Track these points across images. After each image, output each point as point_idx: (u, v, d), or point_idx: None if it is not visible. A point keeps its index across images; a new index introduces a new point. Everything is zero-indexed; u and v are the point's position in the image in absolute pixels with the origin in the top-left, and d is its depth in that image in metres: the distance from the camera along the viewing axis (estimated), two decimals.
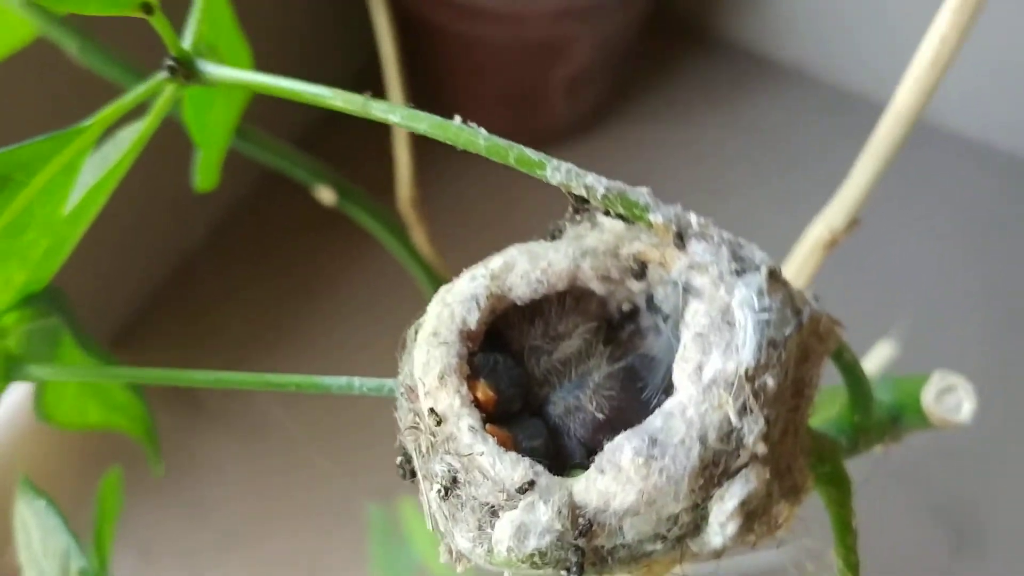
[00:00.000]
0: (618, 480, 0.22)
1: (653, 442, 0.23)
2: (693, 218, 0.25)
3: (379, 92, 0.31)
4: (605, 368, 0.26)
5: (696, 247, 0.25)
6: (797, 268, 0.39)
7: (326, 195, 0.60)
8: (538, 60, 1.58)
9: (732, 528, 0.23)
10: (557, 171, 0.24)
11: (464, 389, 0.24)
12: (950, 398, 0.32)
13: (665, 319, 0.26)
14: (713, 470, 0.23)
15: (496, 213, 1.42)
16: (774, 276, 0.24)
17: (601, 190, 0.24)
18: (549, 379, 0.26)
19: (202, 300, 1.34)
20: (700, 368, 0.23)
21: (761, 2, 1.69)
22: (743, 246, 0.25)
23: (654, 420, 0.23)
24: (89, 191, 0.29)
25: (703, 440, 0.23)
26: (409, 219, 0.67)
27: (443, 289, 0.25)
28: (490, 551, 0.23)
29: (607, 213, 0.25)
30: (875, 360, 0.67)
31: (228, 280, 1.35)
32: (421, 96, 0.56)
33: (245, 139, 0.52)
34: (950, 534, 1.17)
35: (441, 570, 0.78)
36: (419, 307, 0.26)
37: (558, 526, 0.22)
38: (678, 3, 1.76)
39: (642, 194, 0.25)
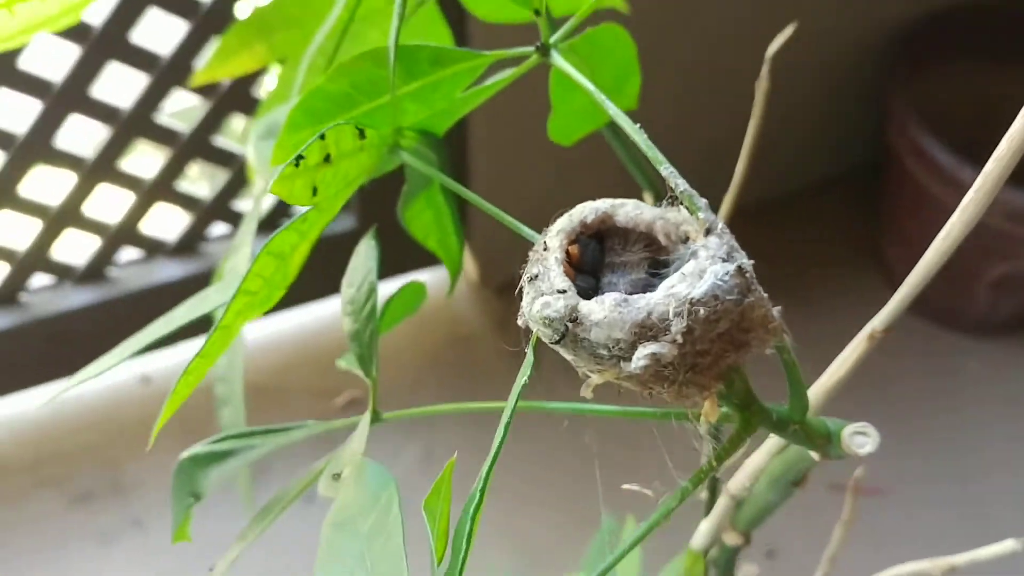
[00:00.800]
0: (599, 306, 0.44)
1: (625, 300, 0.44)
2: (719, 224, 0.45)
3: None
4: (639, 274, 0.47)
5: (712, 239, 0.45)
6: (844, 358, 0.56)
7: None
8: (981, 245, 1.70)
9: (642, 363, 0.43)
10: (673, 174, 0.46)
11: (565, 243, 0.46)
12: (860, 438, 0.49)
13: (679, 264, 0.46)
14: (647, 331, 0.43)
15: None
16: (740, 269, 0.44)
17: (682, 187, 0.46)
18: (612, 267, 0.47)
19: None
20: (672, 286, 0.44)
21: None
22: (737, 250, 0.45)
23: (635, 296, 0.44)
24: (473, 92, 0.55)
25: (649, 313, 0.43)
26: None
27: (583, 203, 0.48)
28: (531, 309, 0.45)
29: (683, 203, 0.46)
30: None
31: None
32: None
33: (614, 133, 0.76)
34: None
35: None
36: None
37: (562, 312, 0.44)
38: None
39: (702, 201, 0.45)
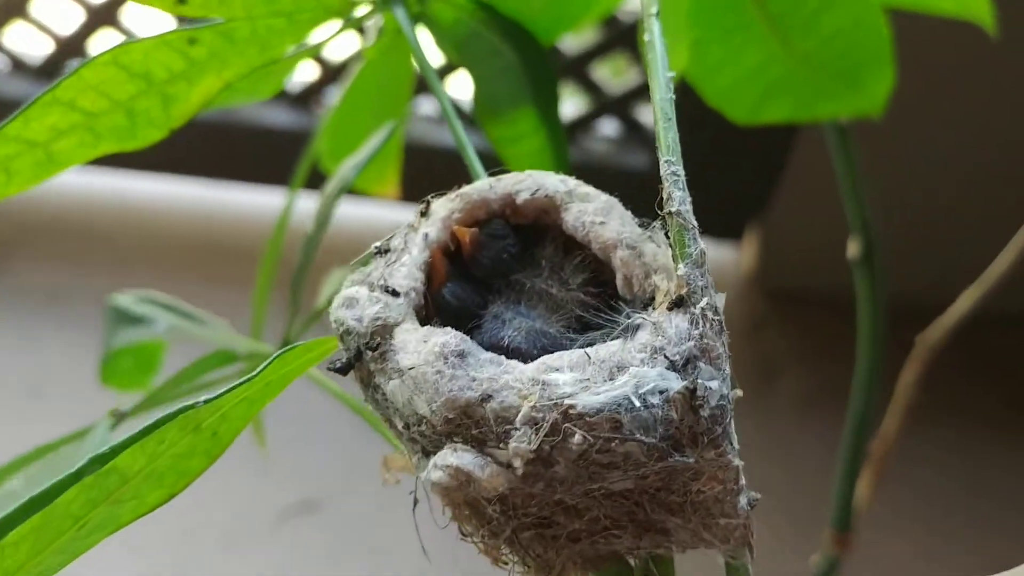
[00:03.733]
0: (420, 344, 0.24)
1: (468, 356, 0.23)
2: (705, 297, 0.23)
3: None
4: (553, 321, 0.26)
5: (677, 319, 0.23)
6: None
7: (852, 247, 0.59)
8: None
9: (437, 478, 0.23)
10: (674, 176, 0.24)
11: (454, 220, 0.26)
12: None
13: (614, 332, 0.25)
14: (471, 425, 0.23)
15: None
16: (688, 396, 0.23)
17: (676, 205, 0.24)
18: (522, 289, 0.26)
19: None
20: (551, 369, 0.23)
21: None
22: (711, 357, 0.23)
23: (489, 357, 0.24)
24: None
25: (488, 396, 0.23)
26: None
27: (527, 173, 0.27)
28: (337, 301, 0.26)
29: (667, 234, 0.25)
30: None
31: None
32: None
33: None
34: None
35: None
36: None
37: (365, 325, 0.24)
38: None
39: (695, 244, 0.24)
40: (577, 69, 1.05)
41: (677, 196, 0.24)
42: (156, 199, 1.31)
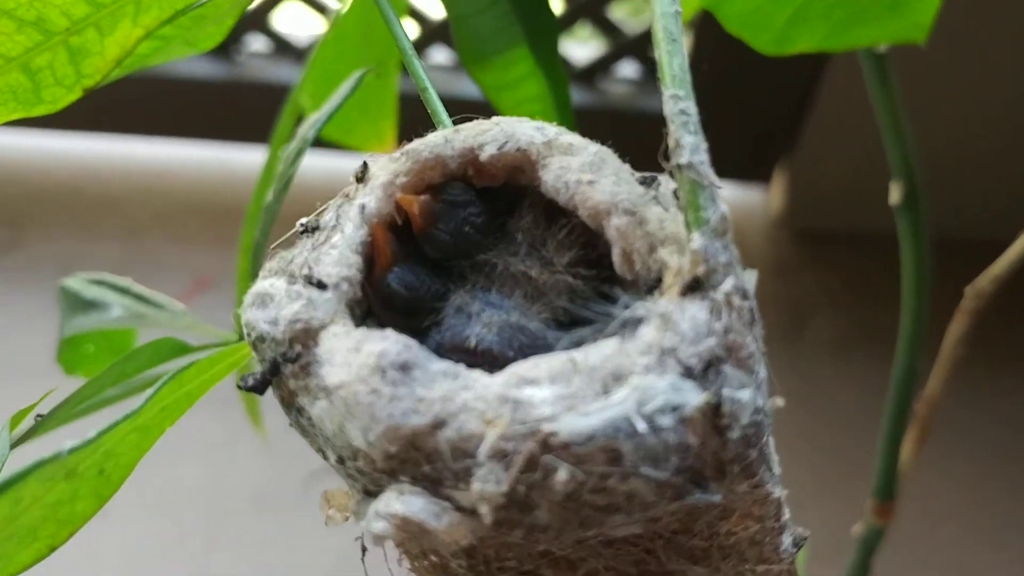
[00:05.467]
0: (350, 355, 0.18)
1: (411, 367, 0.17)
2: (732, 276, 0.17)
3: None
4: (533, 313, 0.20)
5: (691, 307, 0.17)
6: None
7: (895, 193, 0.52)
8: None
9: (378, 528, 0.17)
10: (684, 115, 0.18)
11: (400, 186, 0.20)
12: None
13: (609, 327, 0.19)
14: (422, 461, 0.17)
15: None
16: (711, 413, 0.16)
17: (687, 155, 0.17)
18: (492, 272, 0.20)
19: None
20: (527, 380, 0.17)
21: None
22: (703, 364, 0.17)
23: (446, 368, 0.17)
24: None
25: (440, 422, 0.17)
26: None
27: (497, 121, 0.21)
28: (248, 297, 0.20)
29: (677, 197, 0.18)
30: None
31: None
32: None
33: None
34: None
35: None
36: None
37: (281, 331, 0.18)
38: None
39: (715, 207, 0.17)
40: (593, 9, 0.98)
41: (688, 143, 0.17)
42: (167, 163, 1.26)
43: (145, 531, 0.98)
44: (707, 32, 0.96)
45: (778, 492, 0.18)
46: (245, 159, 1.24)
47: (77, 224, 1.23)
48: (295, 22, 1.11)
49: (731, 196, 1.38)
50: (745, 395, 0.17)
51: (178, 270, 1.18)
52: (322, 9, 1.02)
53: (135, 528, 0.98)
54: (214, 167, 1.26)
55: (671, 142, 0.18)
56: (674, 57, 0.18)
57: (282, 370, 0.18)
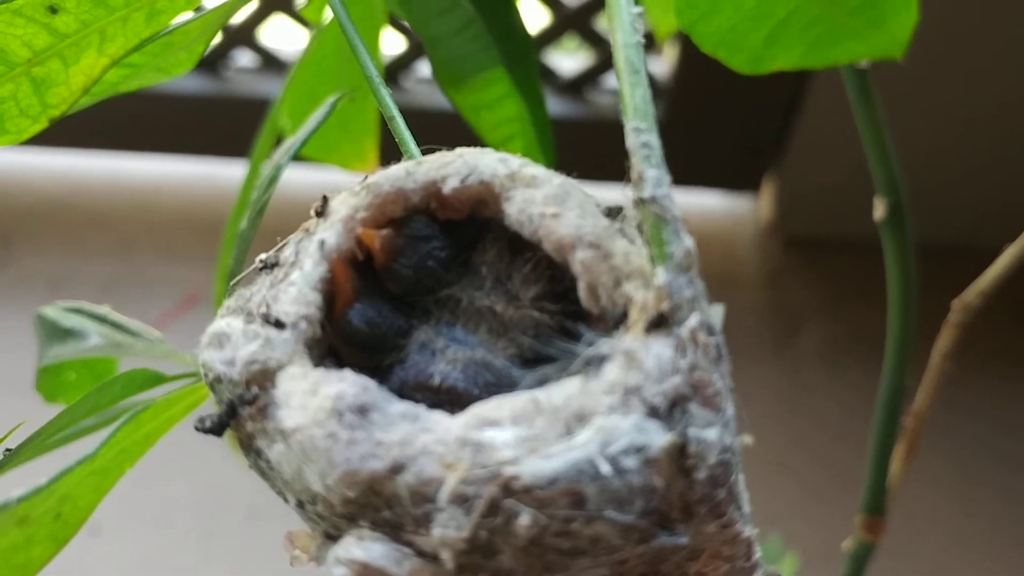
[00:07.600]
0: (307, 397, 0.17)
1: (368, 409, 0.17)
2: (695, 314, 0.17)
3: None
4: (498, 350, 0.19)
5: (656, 345, 0.17)
6: None
7: (879, 209, 0.51)
8: None
9: (339, 574, 0.17)
10: (646, 148, 0.17)
11: (360, 221, 0.19)
12: None
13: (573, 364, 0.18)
14: (381, 505, 0.17)
15: None
16: (677, 454, 0.16)
17: (650, 189, 0.17)
18: (457, 307, 0.20)
19: None
20: (490, 421, 0.17)
21: None
22: (668, 403, 0.16)
23: (405, 409, 0.17)
24: None
25: (400, 465, 0.16)
26: None
27: (460, 152, 0.20)
28: (205, 337, 0.19)
29: (640, 230, 0.18)
30: None
31: None
32: None
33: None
34: None
35: None
36: None
37: (238, 372, 0.18)
38: None
39: (678, 241, 0.17)
40: (579, 21, 0.98)
41: (651, 176, 0.17)
42: (157, 179, 1.25)
43: (138, 546, 0.98)
44: (693, 43, 0.96)
45: (748, 531, 0.17)
46: (235, 174, 1.23)
47: (67, 241, 1.22)
48: (282, 37, 1.10)
49: (720, 205, 1.37)
50: (712, 434, 0.16)
51: (169, 286, 1.17)
52: (309, 24, 1.01)
53: (128, 544, 0.98)
54: (204, 182, 1.26)
55: (633, 175, 0.17)
56: (636, 88, 0.17)
57: (239, 412, 0.18)
